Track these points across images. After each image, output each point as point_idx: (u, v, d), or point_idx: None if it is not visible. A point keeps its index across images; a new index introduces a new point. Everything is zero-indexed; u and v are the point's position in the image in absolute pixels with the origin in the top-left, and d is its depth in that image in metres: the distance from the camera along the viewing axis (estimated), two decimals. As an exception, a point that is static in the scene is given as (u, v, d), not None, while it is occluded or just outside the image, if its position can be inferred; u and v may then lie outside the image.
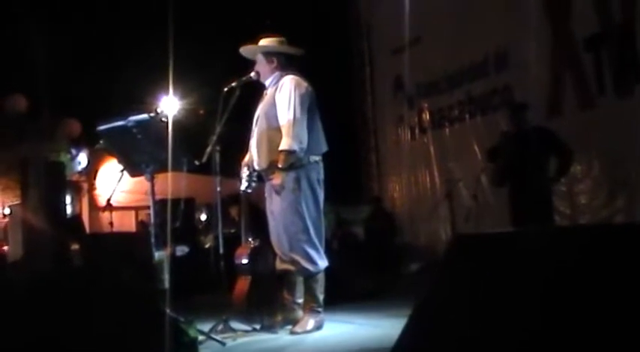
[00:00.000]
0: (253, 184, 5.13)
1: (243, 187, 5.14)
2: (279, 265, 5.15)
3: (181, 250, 8.91)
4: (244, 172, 5.16)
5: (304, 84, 5.07)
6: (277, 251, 5.14)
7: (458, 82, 10.40)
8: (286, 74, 5.12)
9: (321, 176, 5.09)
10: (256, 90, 5.36)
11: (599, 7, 7.68)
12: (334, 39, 13.62)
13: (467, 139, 10.06)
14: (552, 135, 6.77)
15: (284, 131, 4.90)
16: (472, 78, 10.04)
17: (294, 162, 4.89)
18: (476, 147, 9.72)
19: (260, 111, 5.13)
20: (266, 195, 5.15)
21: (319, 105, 5.14)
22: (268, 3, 12.21)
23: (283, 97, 4.97)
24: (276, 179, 4.88)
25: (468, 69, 10.09)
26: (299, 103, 4.93)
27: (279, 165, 4.86)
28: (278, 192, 4.91)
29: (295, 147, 4.86)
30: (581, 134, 7.59)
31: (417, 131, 11.63)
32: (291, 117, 4.89)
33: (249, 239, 5.24)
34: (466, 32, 9.91)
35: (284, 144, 4.86)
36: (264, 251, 5.22)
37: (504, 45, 9.27)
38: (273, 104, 5.02)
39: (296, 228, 4.92)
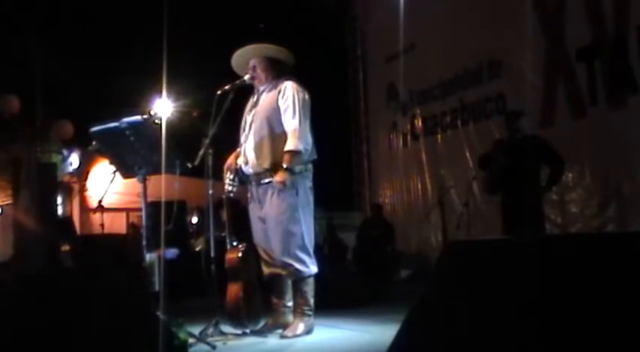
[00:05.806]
0: (235, 188, 5.14)
1: (226, 191, 5.15)
2: (266, 269, 5.17)
3: (171, 253, 8.89)
4: (227, 176, 5.17)
5: (304, 90, 5.14)
6: (264, 255, 5.16)
7: (451, 89, 10.41)
8: (285, 80, 5.15)
9: (311, 183, 5.14)
10: (249, 93, 5.36)
11: (592, 18, 7.71)
12: (328, 45, 13.66)
13: (459, 147, 10.07)
14: (545, 144, 6.78)
15: (290, 134, 4.96)
16: (465, 85, 10.06)
17: (298, 163, 4.94)
18: (468, 155, 9.73)
19: (258, 114, 5.12)
20: (254, 199, 5.16)
21: (312, 112, 5.17)
22: (262, 8, 12.24)
23: (288, 102, 5.03)
24: (280, 177, 4.89)
25: (462, 76, 10.10)
26: (303, 108, 5.02)
27: (284, 165, 4.88)
28: (280, 191, 4.92)
29: (301, 148, 4.93)
30: (573, 143, 7.61)
31: (409, 138, 11.63)
32: (297, 120, 4.97)
33: (234, 243, 5.22)
34: (460, 40, 9.93)
35: (290, 145, 4.92)
36: (251, 255, 5.22)
37: (498, 53, 9.29)
38: (275, 108, 5.05)
39: (292, 233, 4.95)
